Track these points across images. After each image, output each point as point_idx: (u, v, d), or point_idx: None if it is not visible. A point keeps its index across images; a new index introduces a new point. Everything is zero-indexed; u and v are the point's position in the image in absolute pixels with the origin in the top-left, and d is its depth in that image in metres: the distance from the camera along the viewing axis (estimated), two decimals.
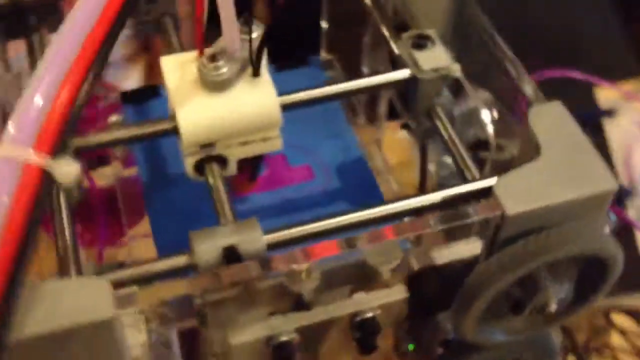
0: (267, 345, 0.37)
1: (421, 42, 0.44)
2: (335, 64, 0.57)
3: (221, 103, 0.39)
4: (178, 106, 0.39)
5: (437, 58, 0.43)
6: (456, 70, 0.43)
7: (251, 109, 0.39)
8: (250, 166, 0.47)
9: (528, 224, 0.35)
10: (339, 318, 0.38)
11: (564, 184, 0.35)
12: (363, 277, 0.38)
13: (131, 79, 0.73)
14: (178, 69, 0.40)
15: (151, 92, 0.53)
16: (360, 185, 0.49)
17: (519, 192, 0.35)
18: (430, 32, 0.44)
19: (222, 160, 0.40)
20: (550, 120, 0.37)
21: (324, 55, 0.57)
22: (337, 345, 0.39)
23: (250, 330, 0.37)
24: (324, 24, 0.56)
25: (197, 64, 0.39)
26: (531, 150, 0.37)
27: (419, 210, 0.37)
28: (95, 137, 0.40)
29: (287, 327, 0.37)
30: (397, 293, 0.39)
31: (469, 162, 0.41)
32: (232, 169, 0.41)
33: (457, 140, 0.42)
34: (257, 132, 0.40)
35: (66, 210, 0.38)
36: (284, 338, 0.37)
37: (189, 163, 0.40)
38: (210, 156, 0.40)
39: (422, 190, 0.50)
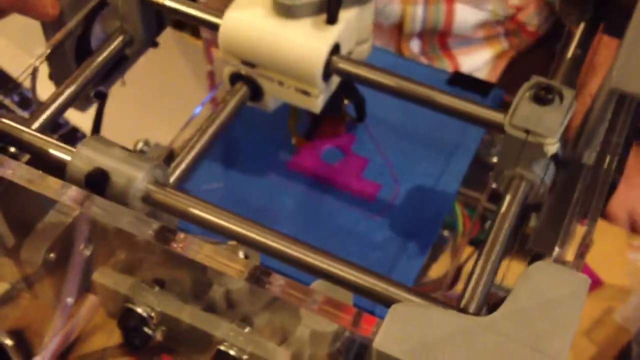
0: (119, 303, 0.32)
1: (546, 96, 0.32)
2: None
3: (274, 27, 0.35)
4: (234, 5, 0.36)
5: (542, 120, 0.32)
6: (550, 144, 0.31)
7: (295, 49, 0.34)
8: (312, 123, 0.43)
9: None
10: (207, 334, 0.32)
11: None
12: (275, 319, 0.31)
13: None
14: None
15: None
16: (405, 243, 0.39)
17: (413, 335, 0.24)
18: (567, 90, 0.32)
19: (256, 90, 0.37)
20: (553, 294, 0.25)
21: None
22: (193, 355, 0.33)
23: (116, 279, 0.32)
24: None
25: None
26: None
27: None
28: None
29: (151, 302, 0.32)
30: (277, 356, 0.31)
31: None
32: (266, 105, 0.37)
33: (499, 242, 0.31)
34: (295, 78, 0.35)
35: None
36: (139, 309, 0.32)
37: (226, 70, 0.37)
38: (246, 76, 0.36)
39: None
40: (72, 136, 0.68)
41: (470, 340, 0.24)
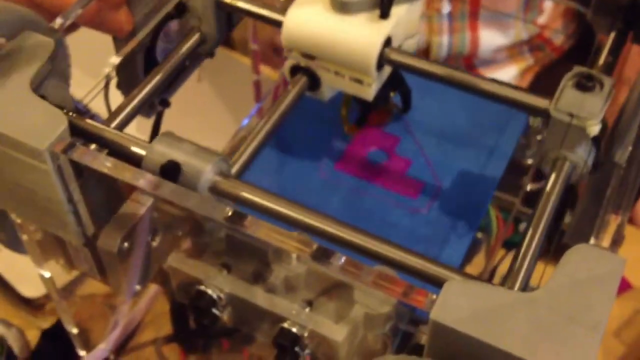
0: (191, 286, 0.35)
1: (588, 84, 0.35)
2: None
3: (332, 22, 0.38)
4: (296, 4, 0.39)
5: (585, 105, 0.35)
6: (592, 125, 0.34)
7: (352, 42, 0.38)
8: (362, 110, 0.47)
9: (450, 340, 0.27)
10: (271, 314, 0.35)
11: (522, 336, 0.26)
12: (333, 297, 0.34)
13: None
14: None
15: None
16: (446, 238, 0.42)
17: (465, 307, 0.27)
18: (607, 79, 0.35)
19: (314, 80, 0.40)
20: (591, 273, 0.28)
21: None
22: (256, 333, 0.36)
23: (189, 263, 0.36)
24: None
25: None
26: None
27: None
28: None
29: (220, 284, 0.35)
30: (336, 333, 0.34)
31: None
32: (322, 94, 0.41)
33: (544, 219, 0.34)
34: (351, 68, 0.39)
35: None
36: (209, 291, 0.35)
37: (287, 63, 0.41)
38: (305, 68, 0.40)
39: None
40: None
41: (517, 313, 0.27)
